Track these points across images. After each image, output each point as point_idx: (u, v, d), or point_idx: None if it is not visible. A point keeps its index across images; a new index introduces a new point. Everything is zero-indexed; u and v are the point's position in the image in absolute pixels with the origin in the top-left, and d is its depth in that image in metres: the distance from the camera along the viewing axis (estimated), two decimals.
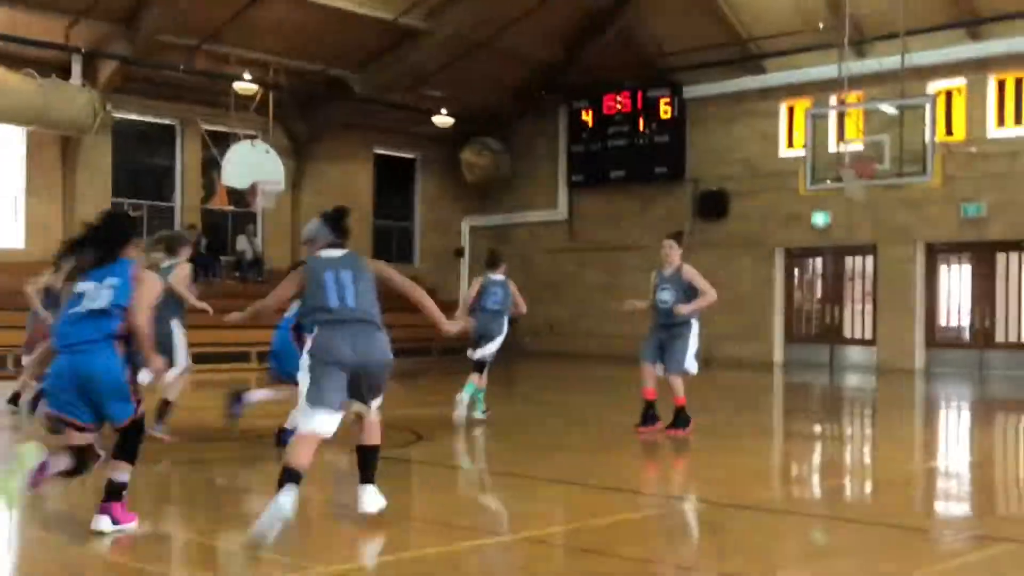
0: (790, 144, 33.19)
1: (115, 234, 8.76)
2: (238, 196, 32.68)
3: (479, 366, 16.71)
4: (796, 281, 34.17)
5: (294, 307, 12.46)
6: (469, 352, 16.89)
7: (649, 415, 15.34)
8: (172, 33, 29.86)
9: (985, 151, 29.55)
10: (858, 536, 9.24)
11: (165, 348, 12.67)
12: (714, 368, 30.01)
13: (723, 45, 33.16)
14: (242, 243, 34.22)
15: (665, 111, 35.32)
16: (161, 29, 29.44)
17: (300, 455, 8.48)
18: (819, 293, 33.83)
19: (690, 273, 15.36)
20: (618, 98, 36.32)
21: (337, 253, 9.14)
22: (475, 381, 16.60)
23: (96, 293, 8.39)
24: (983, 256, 30.52)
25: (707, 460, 13.81)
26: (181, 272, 13.91)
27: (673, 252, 15.52)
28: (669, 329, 15.32)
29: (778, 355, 33.45)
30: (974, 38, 29.96)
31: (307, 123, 35.77)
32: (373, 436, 9.25)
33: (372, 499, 9.17)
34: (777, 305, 33.55)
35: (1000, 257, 30.35)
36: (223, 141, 32.20)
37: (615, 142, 36.39)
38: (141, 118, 32.91)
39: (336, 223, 9.37)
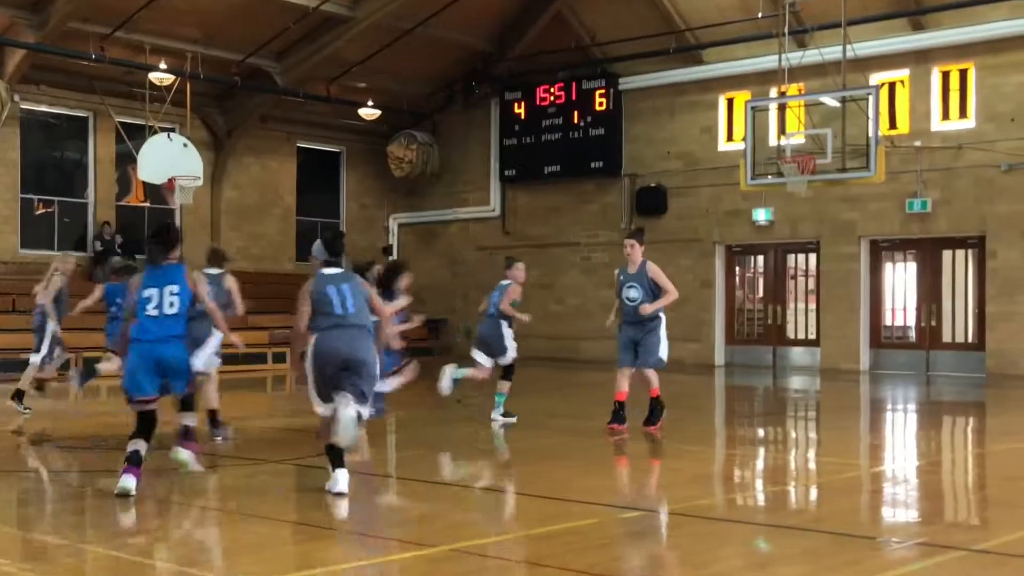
0: (730, 138, 33.35)
1: (165, 241, 11.38)
2: (154, 192, 32.49)
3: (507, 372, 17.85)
4: (737, 280, 34.36)
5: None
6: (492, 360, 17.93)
7: (620, 415, 16.23)
8: (83, 20, 29.62)
9: (930, 145, 29.85)
10: (803, 544, 9.32)
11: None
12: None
13: (660, 35, 33.26)
14: None
15: (600, 103, 35.41)
16: (71, 16, 29.19)
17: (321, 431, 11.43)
18: (761, 292, 34.01)
19: (654, 271, 16.31)
20: (551, 89, 36.34)
21: (335, 271, 11.48)
22: (503, 389, 17.83)
23: (165, 300, 11.03)
24: (929, 253, 30.82)
25: (648, 467, 13.89)
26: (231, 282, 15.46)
27: (635, 251, 16.43)
28: (640, 326, 16.23)
29: (719, 357, 33.60)
30: (917, 28, 30.27)
31: (226, 115, 35.63)
32: (344, 439, 11.01)
33: (343, 479, 10.95)
34: (718, 305, 33.71)
35: (946, 254, 30.65)
36: (138, 134, 32.05)
37: (549, 135, 36.43)
38: (51, 109, 32.67)
39: (331, 245, 11.73)
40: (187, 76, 31.86)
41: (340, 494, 10.84)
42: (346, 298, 11.22)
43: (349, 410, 10.89)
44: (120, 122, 32.66)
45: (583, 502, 11.05)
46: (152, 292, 11.06)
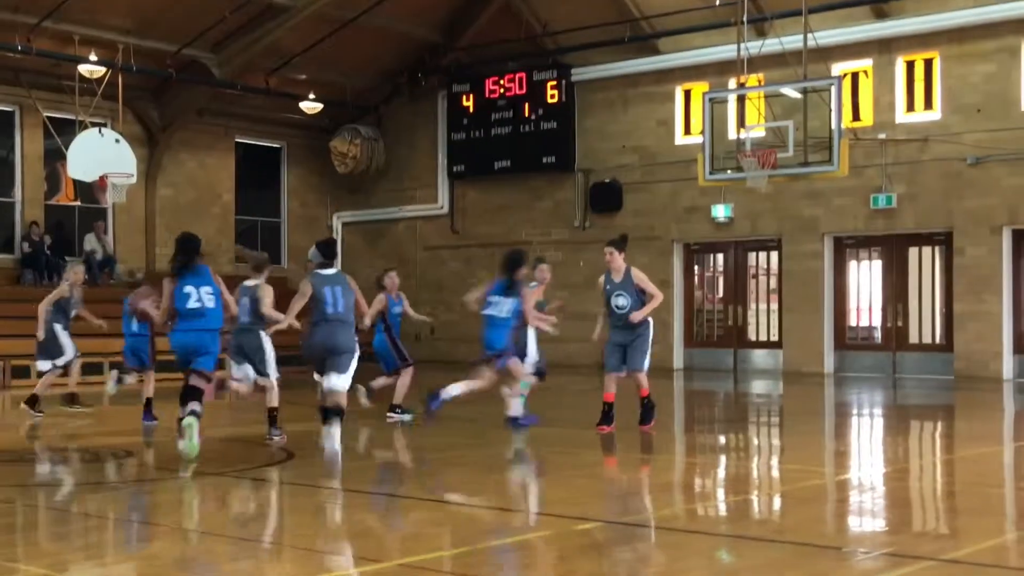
0: (687, 131, 33.44)
1: (192, 248, 14.79)
2: (86, 190, 32.30)
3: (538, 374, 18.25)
4: (696, 279, 34.44)
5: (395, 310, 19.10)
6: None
7: (609, 416, 17.09)
8: (8, 10, 29.44)
9: (894, 138, 30.01)
10: (766, 555, 9.34)
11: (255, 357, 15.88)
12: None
13: (614, 23, 33.27)
14: (91, 242, 33.80)
15: (552, 95, 35.42)
16: None
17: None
18: (721, 292, 34.11)
19: (639, 276, 17.07)
20: (501, 81, 36.32)
21: (330, 272, 14.80)
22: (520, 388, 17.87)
23: (204, 296, 14.25)
24: (894, 250, 30.99)
25: (605, 475, 13.90)
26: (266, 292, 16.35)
27: (615, 258, 17.04)
28: (630, 331, 17.01)
29: (678, 360, 33.68)
30: (880, 16, 30.43)
31: (161, 109, 35.48)
32: (330, 402, 14.44)
33: (334, 434, 14.21)
34: (676, 306, 33.73)
35: (912, 251, 30.84)
36: (68, 129, 31.78)
37: (499, 129, 36.43)
38: None
39: (326, 250, 15.03)
40: (119, 68, 31.61)
41: (333, 449, 14.10)
42: (338, 299, 14.49)
43: (333, 381, 14.46)
44: (48, 117, 32.39)
45: (536, 513, 11.03)
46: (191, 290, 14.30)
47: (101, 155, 30.46)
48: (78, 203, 33.83)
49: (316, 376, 15.61)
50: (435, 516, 11.16)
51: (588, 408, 16.88)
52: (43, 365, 20.46)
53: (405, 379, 18.92)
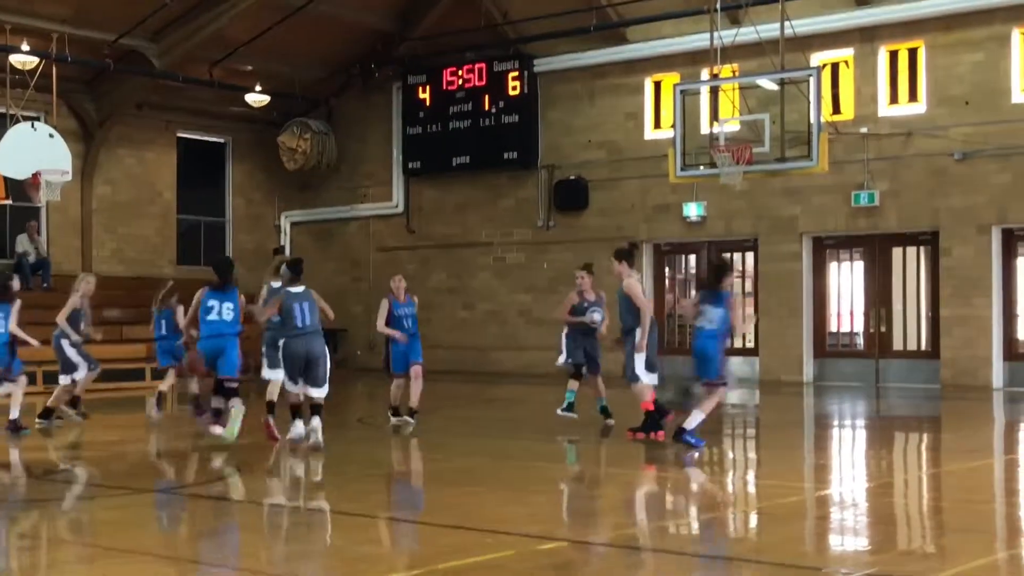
0: (657, 125, 33.45)
1: (229, 271, 17.86)
2: (17, 188, 32.07)
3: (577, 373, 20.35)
4: (667, 282, 34.45)
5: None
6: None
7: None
8: None
9: (877, 132, 30.06)
10: None
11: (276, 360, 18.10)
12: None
13: (579, 11, 33.08)
14: (23, 244, 33.59)
15: (514, 87, 35.37)
16: None
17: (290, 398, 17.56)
18: (693, 295, 34.07)
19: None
20: (460, 72, 36.24)
21: (299, 289, 17.22)
22: (572, 386, 20.12)
23: (225, 310, 17.31)
24: (877, 251, 31.01)
25: (572, 491, 13.87)
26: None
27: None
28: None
29: None
30: (861, 3, 30.45)
31: (98, 102, 35.31)
32: (314, 402, 17.08)
33: (317, 426, 16.78)
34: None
35: (896, 252, 30.88)
36: None
37: (457, 123, 36.34)
38: None
39: (293, 268, 17.45)
40: (53, 59, 31.35)
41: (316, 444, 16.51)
42: (305, 313, 17.02)
43: (314, 393, 17.05)
44: None
45: (497, 532, 11.00)
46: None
47: (34, 151, 30.19)
48: (9, 202, 33.43)
49: (287, 383, 17.42)
50: (390, 535, 11.10)
51: (549, 419, 16.79)
52: (63, 379, 20.83)
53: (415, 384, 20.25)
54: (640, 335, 18.57)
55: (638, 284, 19.11)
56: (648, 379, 18.57)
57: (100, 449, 18.18)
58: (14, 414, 18.99)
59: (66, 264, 34.13)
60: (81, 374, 20.81)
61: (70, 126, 33.99)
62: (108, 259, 35.77)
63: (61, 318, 20.65)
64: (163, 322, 21.63)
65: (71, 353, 20.72)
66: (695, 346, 17.47)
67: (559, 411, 19.61)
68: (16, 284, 20.03)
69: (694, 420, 17.02)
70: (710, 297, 17.29)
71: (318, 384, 17.14)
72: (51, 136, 30.60)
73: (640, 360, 18.56)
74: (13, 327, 19.33)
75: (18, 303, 19.62)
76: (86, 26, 31.97)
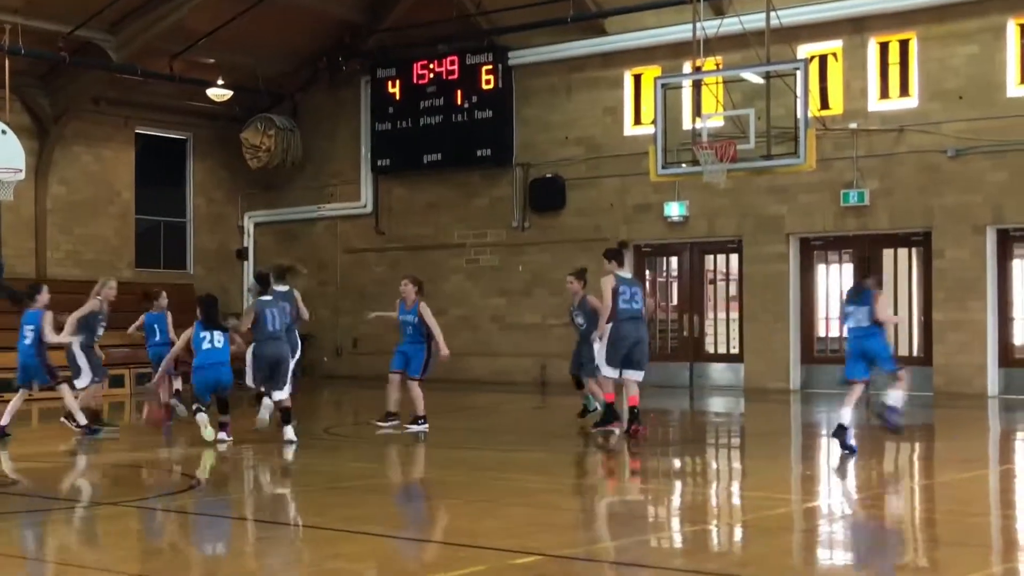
0: (637, 120, 33.48)
1: (214, 309, 19.41)
2: None
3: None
4: (648, 285, 34.41)
5: None
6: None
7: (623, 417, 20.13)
8: None
9: (867, 127, 30.11)
10: None
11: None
12: (553, 392, 30.21)
13: (555, 1, 33.05)
14: None
15: (487, 81, 35.35)
16: None
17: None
18: (675, 299, 34.13)
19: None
20: (431, 65, 36.20)
21: (268, 298, 19.39)
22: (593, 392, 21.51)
23: (216, 339, 18.89)
24: (867, 252, 31.02)
25: (550, 503, 13.84)
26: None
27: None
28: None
29: None
30: None
31: (52, 97, 35.24)
32: (282, 408, 19.07)
33: (290, 432, 18.58)
34: None
35: (887, 253, 30.90)
36: None
37: (428, 119, 36.30)
38: None
39: (261, 281, 19.89)
40: (5, 51, 31.30)
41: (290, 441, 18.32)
42: (275, 318, 19.18)
43: (277, 395, 19.10)
44: None
45: (470, 546, 10.98)
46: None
47: None
48: None
49: (262, 389, 19.75)
50: (357, 550, 11.07)
51: (522, 428, 16.78)
52: (79, 384, 20.86)
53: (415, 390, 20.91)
54: (598, 331, 19.78)
55: (608, 283, 19.67)
56: (609, 372, 19.65)
57: (53, 460, 18.10)
58: (5, 420, 19.66)
59: (19, 267, 34.02)
60: (83, 382, 20.73)
61: (23, 122, 33.90)
62: (63, 261, 35.67)
63: (74, 317, 20.58)
64: (155, 327, 23.04)
65: (80, 358, 20.67)
66: (861, 347, 17.81)
67: (593, 428, 20.52)
68: (45, 294, 20.28)
69: (899, 400, 18.08)
70: (854, 297, 17.92)
71: (279, 386, 19.14)
72: (3, 132, 30.48)
73: (601, 353, 19.62)
74: (52, 335, 19.72)
75: (49, 314, 19.91)
76: (39, 17, 31.90)
